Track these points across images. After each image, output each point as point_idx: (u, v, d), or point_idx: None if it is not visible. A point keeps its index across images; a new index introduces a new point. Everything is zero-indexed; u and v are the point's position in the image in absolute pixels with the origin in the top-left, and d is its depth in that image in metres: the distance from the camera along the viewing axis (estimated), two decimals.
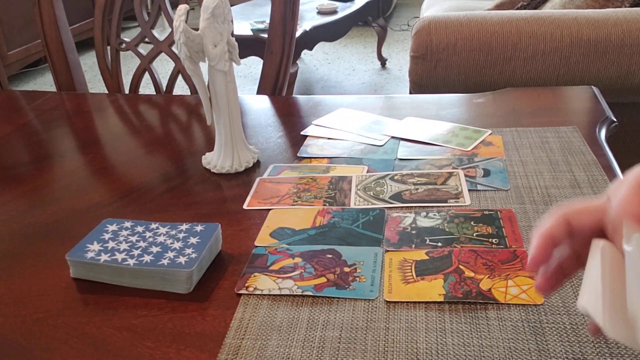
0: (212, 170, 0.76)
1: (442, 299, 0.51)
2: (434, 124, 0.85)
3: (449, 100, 0.95)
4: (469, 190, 0.67)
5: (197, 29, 0.70)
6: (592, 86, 0.94)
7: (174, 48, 1.12)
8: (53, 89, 1.24)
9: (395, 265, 0.55)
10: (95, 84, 3.30)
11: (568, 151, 0.74)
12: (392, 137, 0.82)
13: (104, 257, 0.55)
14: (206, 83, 0.74)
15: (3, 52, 3.21)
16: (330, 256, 0.57)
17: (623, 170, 0.63)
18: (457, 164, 0.73)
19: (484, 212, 0.62)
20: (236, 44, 0.73)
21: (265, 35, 1.35)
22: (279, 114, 0.96)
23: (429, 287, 0.52)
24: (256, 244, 0.61)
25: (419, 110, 0.91)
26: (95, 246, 0.57)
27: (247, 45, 2.57)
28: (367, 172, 0.73)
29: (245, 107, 0.98)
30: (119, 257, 0.55)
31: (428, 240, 0.59)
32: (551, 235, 0.36)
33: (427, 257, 0.56)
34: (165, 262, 0.54)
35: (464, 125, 0.83)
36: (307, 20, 3.03)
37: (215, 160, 0.76)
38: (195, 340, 0.49)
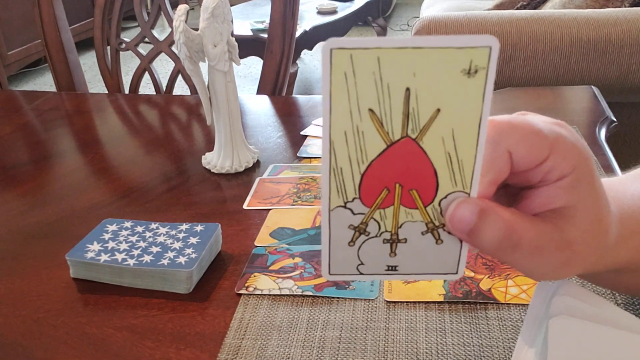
0: (212, 170, 0.76)
1: (442, 299, 0.51)
2: None
3: None
4: None
5: (197, 29, 0.70)
6: (592, 86, 0.94)
7: (173, 48, 1.12)
8: (53, 89, 1.24)
9: None
10: (95, 84, 3.30)
11: None
12: None
13: (104, 257, 0.55)
14: (206, 83, 0.74)
15: (3, 52, 3.21)
16: None
17: (623, 169, 0.63)
18: None
19: None
20: (236, 44, 0.73)
21: (265, 35, 1.35)
22: (279, 114, 0.96)
23: (428, 287, 0.52)
24: (256, 244, 0.61)
25: None
26: (95, 246, 0.57)
27: (247, 45, 2.57)
28: None
29: (245, 107, 0.98)
30: (119, 257, 0.55)
31: None
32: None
33: None
34: (165, 262, 0.54)
35: None
36: (307, 20, 3.03)
37: (215, 160, 0.76)
38: (195, 340, 0.49)
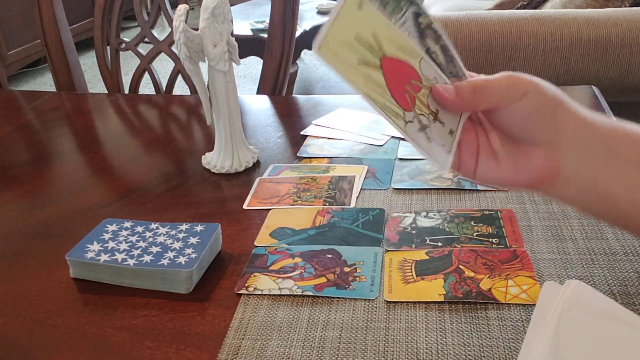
0: (212, 170, 0.76)
1: (442, 299, 0.51)
2: None
3: None
4: (470, 190, 0.67)
5: (197, 29, 0.70)
6: (592, 86, 0.94)
7: (173, 48, 1.12)
8: (53, 89, 1.24)
9: (395, 265, 0.55)
10: (95, 84, 3.30)
11: None
12: (392, 137, 0.82)
13: (103, 257, 0.55)
14: (206, 83, 0.74)
15: (3, 52, 3.21)
16: (330, 256, 0.57)
17: None
18: None
19: (484, 212, 0.62)
20: (236, 44, 0.73)
21: (265, 35, 1.35)
22: (279, 114, 0.95)
23: (429, 287, 0.52)
24: (256, 243, 0.61)
25: None
26: (95, 246, 0.57)
27: (247, 45, 2.56)
28: (368, 171, 0.73)
29: (245, 107, 0.98)
30: (119, 257, 0.55)
31: (428, 240, 0.59)
32: None
33: (427, 257, 0.56)
34: (165, 262, 0.54)
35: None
36: (307, 20, 3.03)
37: (215, 160, 0.76)
38: (195, 340, 0.49)
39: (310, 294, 0.53)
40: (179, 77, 1.16)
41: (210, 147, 0.80)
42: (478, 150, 0.45)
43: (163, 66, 3.35)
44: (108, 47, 1.19)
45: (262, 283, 0.54)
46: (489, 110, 0.44)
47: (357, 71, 0.40)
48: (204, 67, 0.71)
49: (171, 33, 1.10)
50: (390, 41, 0.42)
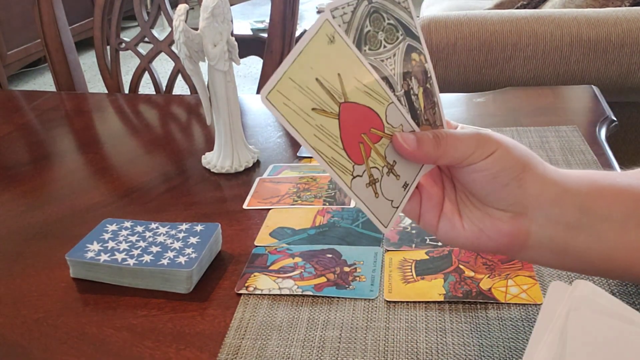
0: (212, 170, 0.76)
1: (442, 299, 0.51)
2: None
3: (449, 100, 0.95)
4: None
5: (196, 29, 0.70)
6: (592, 85, 0.94)
7: (173, 48, 1.12)
8: (53, 89, 1.24)
9: (395, 265, 0.55)
10: (95, 84, 3.30)
11: (568, 150, 0.74)
12: None
13: (103, 257, 0.55)
14: (206, 83, 0.74)
15: (3, 52, 3.21)
16: (330, 256, 0.57)
17: (623, 169, 0.63)
18: None
19: None
20: (236, 43, 0.73)
21: (265, 35, 1.35)
22: None
23: (429, 286, 0.52)
24: (256, 243, 0.61)
25: None
26: (95, 246, 0.57)
27: (247, 45, 2.57)
28: None
29: (245, 107, 0.98)
30: (119, 257, 0.55)
31: (428, 240, 0.59)
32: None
33: (427, 257, 0.56)
34: (165, 262, 0.54)
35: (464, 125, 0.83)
36: (307, 20, 3.03)
37: (215, 160, 0.76)
38: (195, 340, 0.49)
39: (310, 293, 0.53)
40: (179, 77, 1.16)
41: (210, 147, 0.80)
42: (442, 206, 0.44)
43: (163, 66, 3.35)
44: (108, 47, 1.19)
45: (262, 283, 0.54)
46: (451, 166, 0.42)
47: (309, 119, 0.36)
48: (204, 67, 0.71)
49: (171, 33, 1.10)
50: (357, 83, 0.38)
